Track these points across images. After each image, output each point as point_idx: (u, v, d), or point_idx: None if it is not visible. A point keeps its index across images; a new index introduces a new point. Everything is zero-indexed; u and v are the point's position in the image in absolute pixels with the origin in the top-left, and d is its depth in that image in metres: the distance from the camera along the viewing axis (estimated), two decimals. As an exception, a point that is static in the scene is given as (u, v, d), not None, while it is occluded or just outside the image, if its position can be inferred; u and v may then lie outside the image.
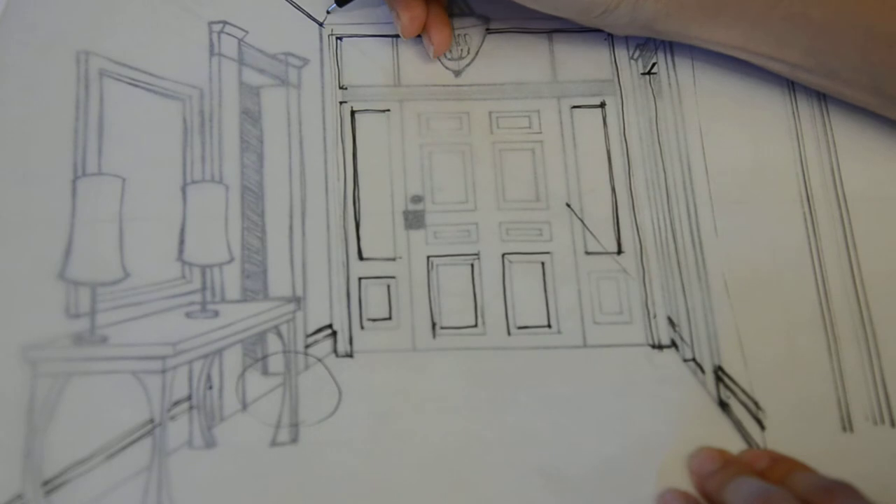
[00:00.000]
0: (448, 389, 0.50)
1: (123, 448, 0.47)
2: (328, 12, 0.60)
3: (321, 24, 0.60)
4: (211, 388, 0.50)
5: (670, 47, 0.59)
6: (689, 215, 0.55)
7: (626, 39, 0.60)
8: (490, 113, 0.58)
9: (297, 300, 0.53)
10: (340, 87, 0.59)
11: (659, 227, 0.55)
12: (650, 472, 0.47)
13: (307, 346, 0.51)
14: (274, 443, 0.48)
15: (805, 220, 0.54)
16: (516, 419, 0.49)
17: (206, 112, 0.57)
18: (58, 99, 0.56)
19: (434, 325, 0.52)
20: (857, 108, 0.56)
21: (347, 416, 0.48)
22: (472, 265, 0.54)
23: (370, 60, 0.59)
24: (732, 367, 0.50)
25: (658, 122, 0.58)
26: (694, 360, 0.52)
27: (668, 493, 0.46)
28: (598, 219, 0.55)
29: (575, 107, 0.59)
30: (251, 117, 0.58)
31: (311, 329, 0.52)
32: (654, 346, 0.52)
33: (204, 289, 0.53)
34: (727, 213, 0.54)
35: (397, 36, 0.59)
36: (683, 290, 0.53)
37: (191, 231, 0.53)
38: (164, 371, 0.48)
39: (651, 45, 0.60)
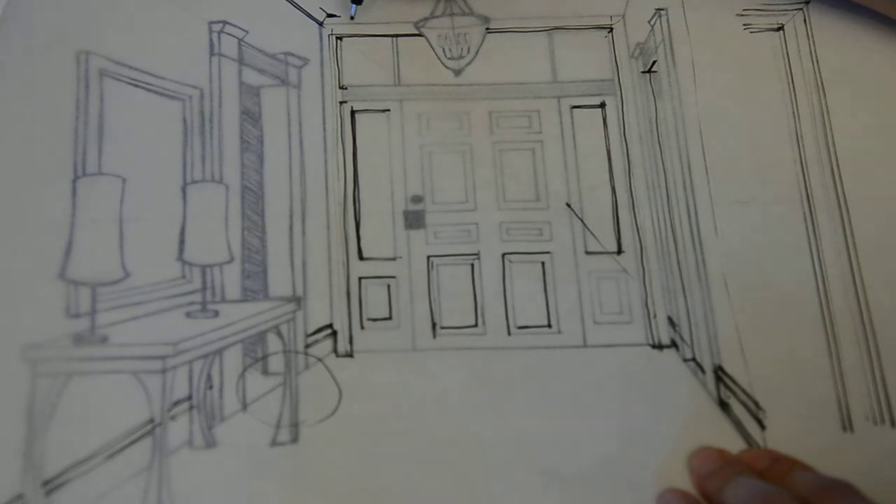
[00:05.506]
0: (448, 389, 0.50)
1: (123, 448, 0.47)
2: (351, 18, 0.60)
3: (321, 24, 0.60)
4: (211, 388, 0.50)
5: (671, 46, 0.59)
6: (689, 215, 0.55)
7: (626, 38, 0.60)
8: (490, 113, 0.58)
9: (297, 300, 0.53)
10: (340, 87, 0.59)
11: (659, 227, 0.55)
12: (650, 472, 0.47)
13: (307, 346, 0.51)
14: (274, 443, 0.48)
15: (805, 220, 0.54)
16: (516, 419, 0.49)
17: (206, 112, 0.57)
18: (58, 99, 0.55)
19: (434, 324, 0.52)
20: (857, 108, 0.56)
21: (347, 416, 0.48)
22: (473, 265, 0.54)
23: (370, 60, 0.59)
24: (732, 367, 0.50)
25: (658, 122, 0.58)
26: (694, 360, 0.52)
27: (668, 493, 0.46)
28: (598, 218, 0.55)
29: (575, 107, 0.59)
30: (251, 117, 0.57)
31: (311, 329, 0.52)
32: (654, 346, 0.52)
33: (204, 289, 0.53)
34: (727, 213, 0.54)
35: (397, 36, 0.59)
36: (683, 290, 0.53)
37: (191, 231, 0.53)
38: (164, 371, 0.48)
39: (651, 42, 0.60)
